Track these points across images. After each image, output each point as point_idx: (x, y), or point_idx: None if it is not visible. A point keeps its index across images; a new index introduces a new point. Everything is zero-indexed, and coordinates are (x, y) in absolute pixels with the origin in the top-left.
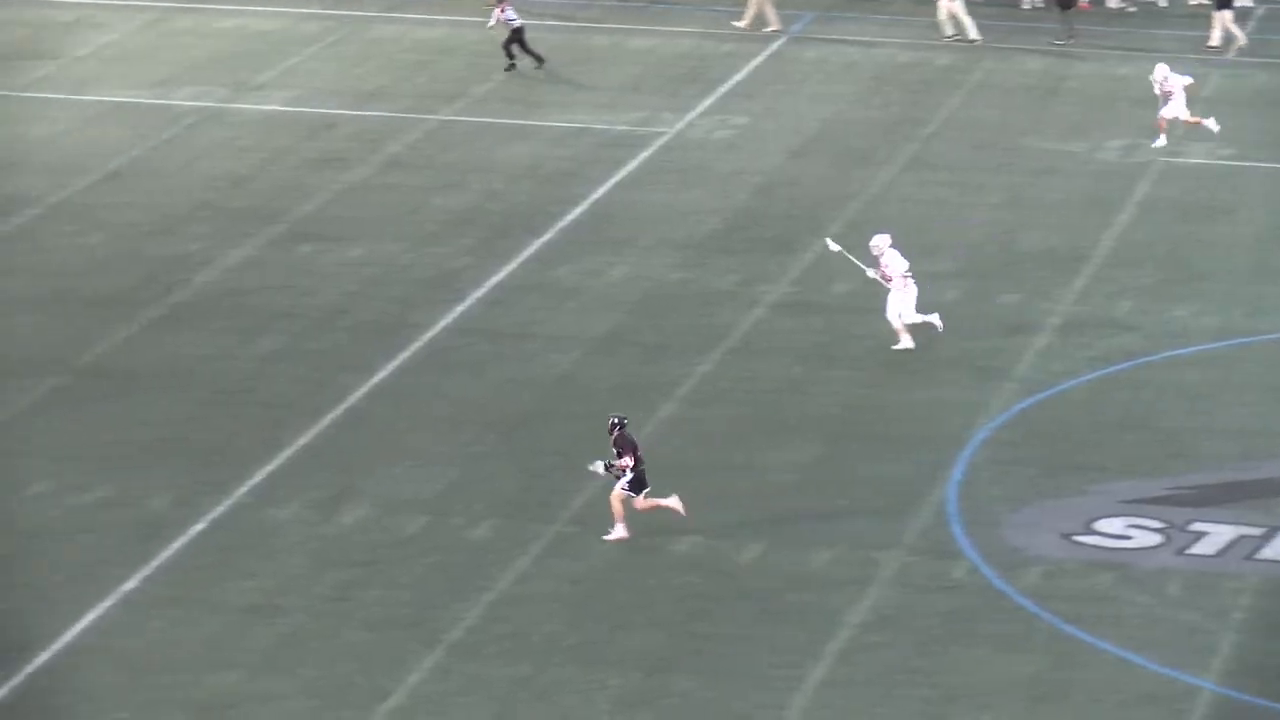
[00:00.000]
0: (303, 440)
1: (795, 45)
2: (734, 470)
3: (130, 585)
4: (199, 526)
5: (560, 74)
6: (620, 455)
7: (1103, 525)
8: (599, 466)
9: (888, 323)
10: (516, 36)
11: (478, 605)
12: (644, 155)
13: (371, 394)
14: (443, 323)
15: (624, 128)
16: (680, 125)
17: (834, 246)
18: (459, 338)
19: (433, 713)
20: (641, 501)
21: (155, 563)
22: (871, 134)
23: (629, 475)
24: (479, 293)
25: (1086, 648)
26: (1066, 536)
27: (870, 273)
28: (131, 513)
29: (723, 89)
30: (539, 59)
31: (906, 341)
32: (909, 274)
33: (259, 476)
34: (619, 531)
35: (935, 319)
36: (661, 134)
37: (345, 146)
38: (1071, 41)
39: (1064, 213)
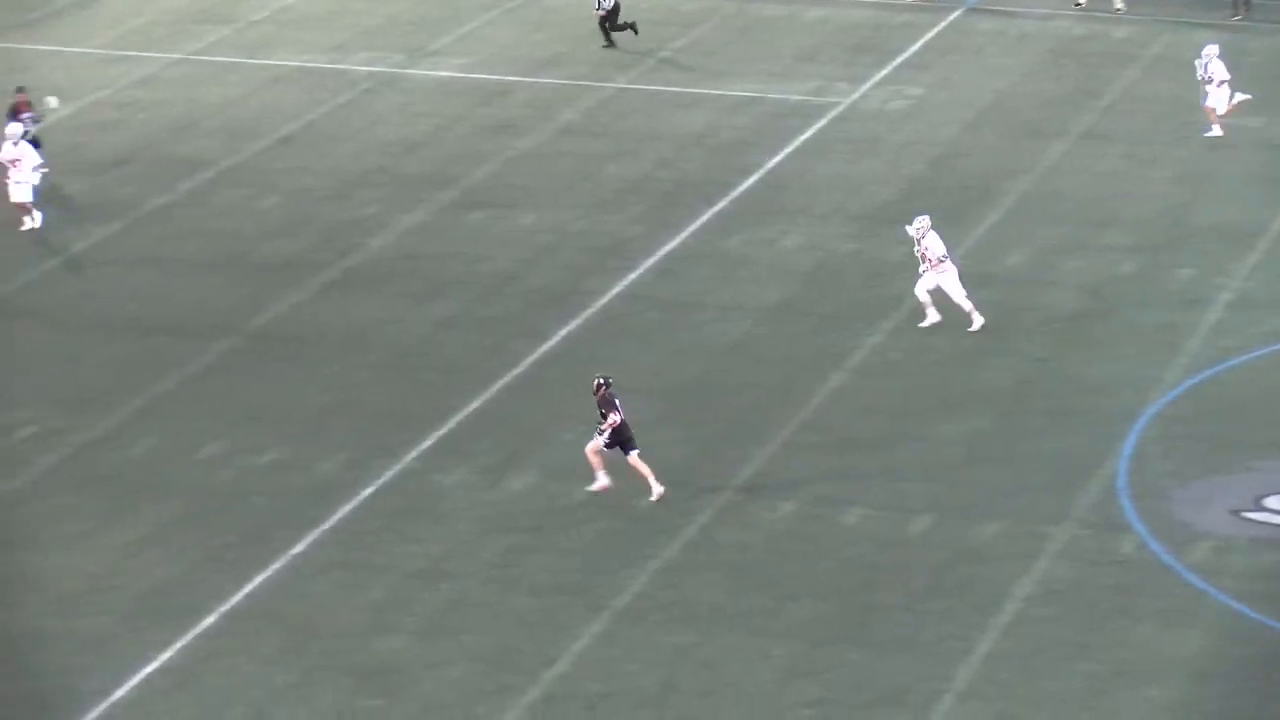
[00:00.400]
0: (473, 405)
1: (971, 16)
2: (904, 442)
3: (299, 548)
4: (368, 491)
5: (735, 44)
6: (605, 415)
7: (1272, 502)
8: (599, 443)
9: (914, 297)
10: (610, 16)
11: (644, 572)
12: (818, 125)
13: (542, 360)
14: (614, 290)
15: (798, 98)
16: (855, 96)
17: (913, 230)
18: (630, 305)
19: (598, 679)
20: (634, 459)
21: (324, 526)
22: (1046, 106)
23: (607, 433)
24: (650, 261)
25: (1253, 625)
26: (1235, 513)
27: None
28: (302, 476)
29: (898, 60)
30: (610, 39)
31: (933, 316)
32: (945, 258)
33: (429, 441)
34: (601, 480)
35: (976, 320)
36: (836, 104)
37: (519, 113)
38: (1245, 14)
39: (1239, 188)
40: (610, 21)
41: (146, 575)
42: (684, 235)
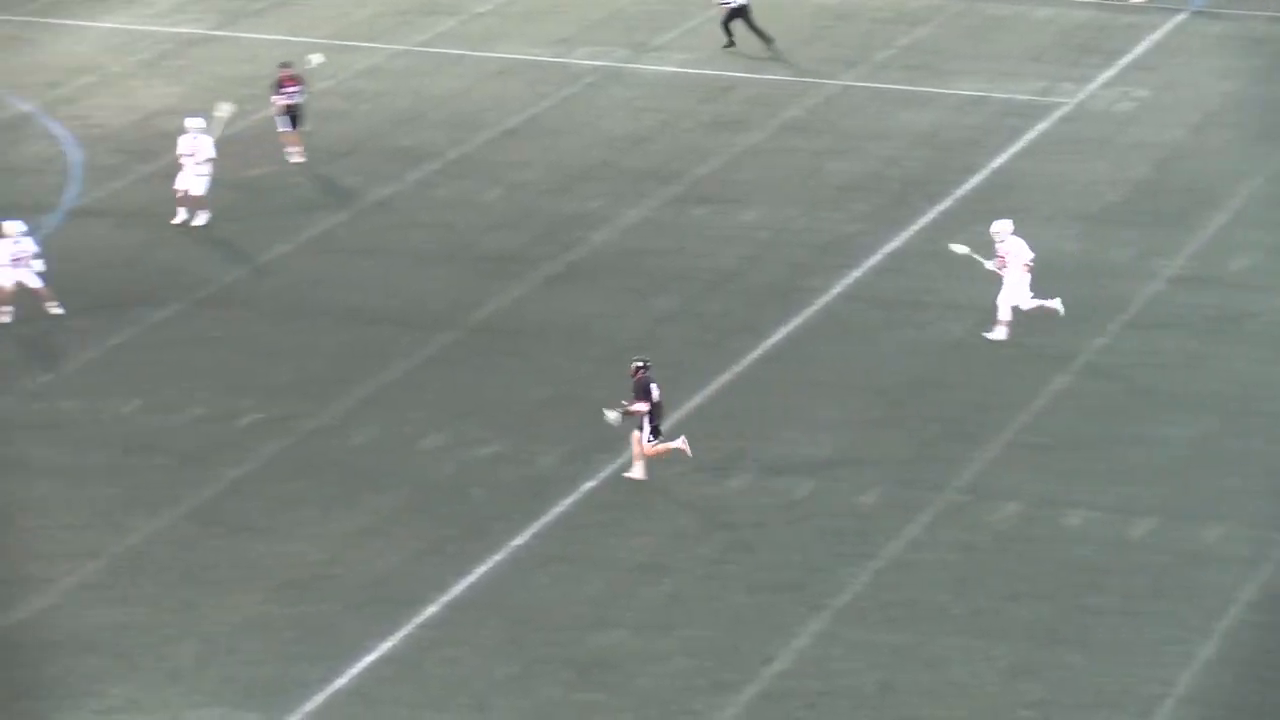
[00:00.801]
0: (694, 402)
1: (1199, 19)
2: (1127, 444)
3: (520, 541)
4: (589, 485)
5: (962, 42)
6: (636, 399)
7: None
8: (614, 416)
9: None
10: (737, 14)
11: (864, 571)
12: (1043, 125)
13: (763, 358)
14: (836, 289)
15: (1025, 97)
16: (1081, 96)
17: (960, 250)
18: (852, 304)
19: (817, 677)
20: (650, 448)
21: (544, 519)
22: (1274, 110)
23: (648, 424)
24: (873, 260)
25: None
26: None
27: (989, 265)
28: (523, 469)
29: (1124, 60)
30: (766, 38)
31: (1001, 333)
32: (1031, 264)
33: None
34: (638, 471)
35: (1057, 304)
36: (1062, 104)
37: (742, 110)
38: None
39: None
40: (746, 21)
41: (368, 564)
42: (907, 234)
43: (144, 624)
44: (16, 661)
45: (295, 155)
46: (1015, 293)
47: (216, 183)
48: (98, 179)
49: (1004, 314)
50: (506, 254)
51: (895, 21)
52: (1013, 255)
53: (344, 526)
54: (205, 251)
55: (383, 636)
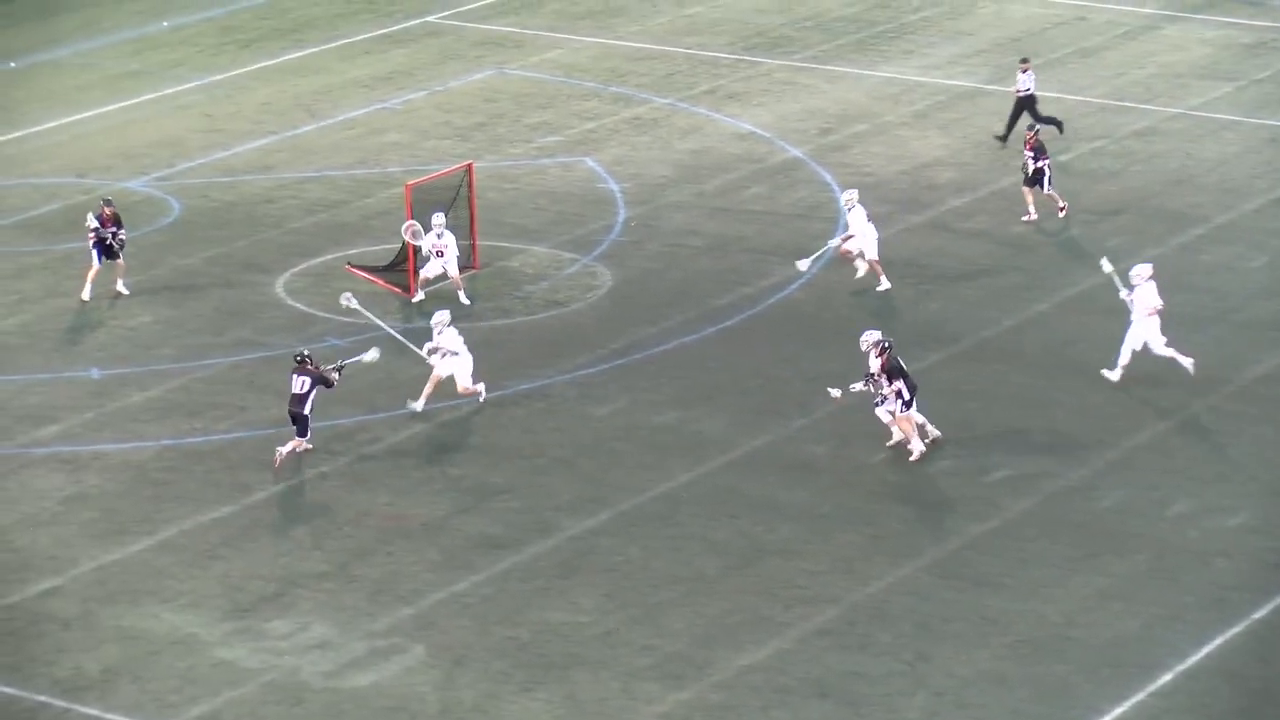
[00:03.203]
0: None
1: None
2: None
3: (1261, 614)
4: None
5: None
6: (890, 380)
7: None
8: (836, 392)
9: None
10: (1025, 105)
11: None
12: None
13: None
14: None
15: None
16: None
17: (1106, 268)
18: None
19: None
20: (905, 419)
21: None
22: None
23: (904, 396)
24: None
25: None
26: None
27: (1123, 294)
28: (1270, 540)
29: None
30: (1006, 133)
31: (1189, 363)
32: (1154, 312)
33: None
34: (918, 447)
35: (1188, 363)
36: None
37: None
38: None
39: None
40: (1031, 111)
41: (1106, 628)
42: None
43: (876, 673)
44: (737, 705)
45: (1056, 211)
46: (1142, 335)
47: (980, 236)
48: None
49: (1123, 358)
50: (1270, 321)
51: None
52: (1139, 301)
53: (1084, 588)
54: (965, 305)
55: (1115, 701)
